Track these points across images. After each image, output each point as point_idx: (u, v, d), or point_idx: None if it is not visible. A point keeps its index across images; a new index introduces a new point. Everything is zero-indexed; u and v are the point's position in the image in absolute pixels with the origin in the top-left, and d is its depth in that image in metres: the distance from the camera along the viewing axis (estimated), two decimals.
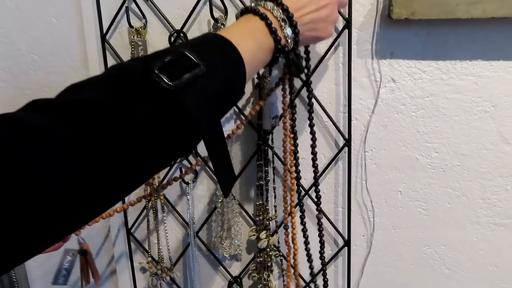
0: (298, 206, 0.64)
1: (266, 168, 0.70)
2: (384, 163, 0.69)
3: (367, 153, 0.69)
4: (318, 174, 0.64)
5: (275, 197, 0.72)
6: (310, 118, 0.60)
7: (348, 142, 0.67)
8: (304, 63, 0.55)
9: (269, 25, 0.45)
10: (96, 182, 0.30)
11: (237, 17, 0.49)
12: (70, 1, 0.72)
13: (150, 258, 0.79)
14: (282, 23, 0.47)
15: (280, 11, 0.47)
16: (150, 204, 0.77)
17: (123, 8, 0.70)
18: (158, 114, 0.33)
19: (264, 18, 0.45)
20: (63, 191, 0.29)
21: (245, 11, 0.47)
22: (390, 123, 0.67)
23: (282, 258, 0.74)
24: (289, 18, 0.47)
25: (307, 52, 0.60)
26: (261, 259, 0.73)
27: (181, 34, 0.68)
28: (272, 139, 0.69)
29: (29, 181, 0.27)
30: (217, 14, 0.66)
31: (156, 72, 0.33)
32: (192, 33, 0.69)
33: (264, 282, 0.74)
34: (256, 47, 0.44)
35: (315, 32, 0.51)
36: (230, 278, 0.78)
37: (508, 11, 0.55)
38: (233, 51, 0.41)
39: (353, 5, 0.62)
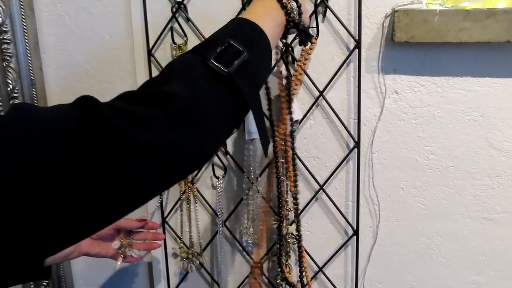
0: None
1: (287, 166, 0.81)
2: (388, 163, 0.80)
3: (374, 154, 0.80)
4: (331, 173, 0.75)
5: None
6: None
7: (357, 145, 0.79)
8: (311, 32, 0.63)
9: (280, 1, 0.53)
10: (183, 147, 0.39)
11: None
12: (121, 21, 0.84)
13: (182, 244, 0.90)
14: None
15: None
16: (184, 196, 0.88)
17: (168, 27, 0.82)
18: (218, 94, 0.42)
19: None
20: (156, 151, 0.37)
21: None
22: (393, 128, 0.79)
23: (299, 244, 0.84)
24: None
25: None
26: (280, 245, 0.83)
27: None
28: (292, 141, 0.81)
29: (121, 146, 0.35)
30: None
31: (213, 61, 0.42)
32: None
33: (283, 266, 0.84)
34: (274, 24, 0.52)
35: (304, 13, 0.59)
36: (252, 263, 0.88)
37: (491, 37, 0.67)
38: (263, 36, 0.48)
39: (362, 29, 0.75)
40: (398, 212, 0.82)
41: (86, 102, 0.36)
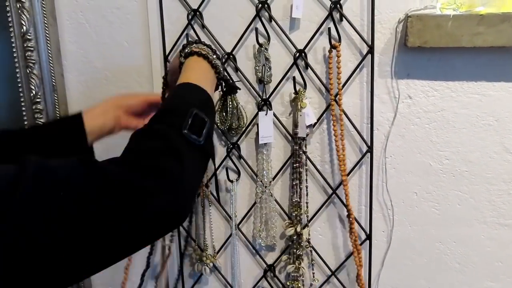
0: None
1: (301, 170, 0.82)
2: (401, 168, 0.80)
3: (387, 159, 0.80)
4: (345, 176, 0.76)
5: (307, 195, 0.83)
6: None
7: (370, 149, 0.79)
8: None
9: (210, 62, 0.62)
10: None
11: (185, 53, 0.63)
12: (139, 29, 0.87)
13: (196, 247, 0.92)
14: (213, 57, 0.63)
15: (209, 49, 0.64)
16: (198, 199, 0.90)
17: (184, 34, 0.85)
18: (197, 160, 0.52)
19: (207, 58, 0.62)
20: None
21: (189, 54, 0.63)
22: (407, 133, 0.79)
23: (311, 249, 0.85)
24: (214, 51, 0.64)
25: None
26: (293, 249, 0.84)
27: (231, 56, 0.82)
28: (306, 145, 0.82)
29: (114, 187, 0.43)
30: (261, 40, 0.80)
31: (189, 133, 0.50)
32: (240, 55, 0.83)
33: (295, 270, 0.85)
34: (211, 84, 0.63)
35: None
36: (265, 266, 0.89)
37: (505, 41, 0.67)
38: (210, 99, 0.58)
39: (375, 34, 0.75)
40: (412, 217, 0.82)
41: (88, 163, 0.43)
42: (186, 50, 0.64)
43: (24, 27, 0.87)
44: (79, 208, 0.39)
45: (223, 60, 0.65)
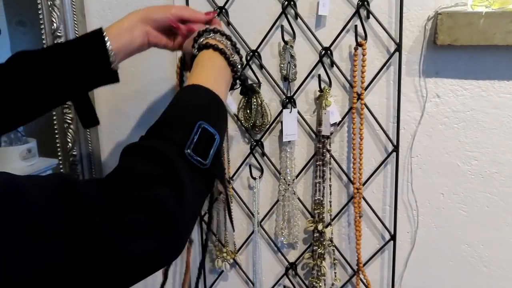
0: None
1: (324, 169, 0.81)
2: (428, 168, 0.79)
3: (413, 159, 0.79)
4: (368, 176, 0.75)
5: (330, 194, 0.83)
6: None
7: (396, 149, 0.78)
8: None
9: (227, 59, 0.54)
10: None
11: (199, 45, 0.56)
12: None
13: (217, 242, 0.92)
14: (232, 51, 0.56)
15: (228, 41, 0.57)
16: (221, 195, 0.90)
17: None
18: (200, 186, 0.43)
19: (223, 53, 0.54)
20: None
21: (204, 46, 0.55)
22: (434, 133, 0.77)
23: (334, 248, 0.84)
24: (234, 45, 0.57)
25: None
26: (316, 247, 0.84)
27: (256, 53, 0.82)
28: (330, 143, 0.81)
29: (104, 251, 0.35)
30: (287, 37, 0.80)
31: (192, 153, 0.41)
32: (265, 52, 0.82)
33: (317, 269, 0.84)
34: (226, 86, 0.55)
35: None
36: (287, 264, 0.89)
37: None
38: (223, 107, 0.50)
39: (403, 32, 0.74)
40: (438, 218, 0.80)
41: (69, 191, 0.35)
42: (201, 40, 0.56)
43: (55, 24, 0.89)
44: (42, 240, 0.32)
45: (244, 56, 0.58)
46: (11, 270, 0.30)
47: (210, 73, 0.53)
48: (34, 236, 0.32)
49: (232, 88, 0.58)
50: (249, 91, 0.68)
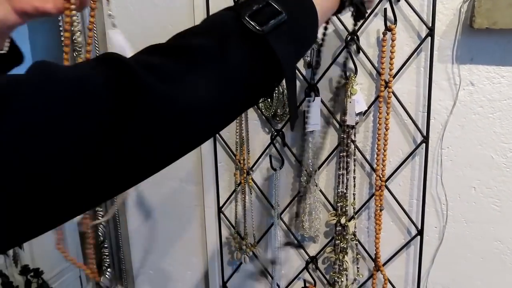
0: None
1: (348, 160, 0.78)
2: (459, 160, 0.75)
3: (444, 150, 0.75)
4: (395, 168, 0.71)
5: (354, 186, 0.79)
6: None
7: (425, 139, 0.74)
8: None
9: None
10: (200, 106, 0.36)
11: None
12: (184, 11, 0.85)
13: (236, 234, 0.90)
14: None
15: None
16: (239, 186, 0.88)
17: None
18: (248, 54, 0.38)
19: None
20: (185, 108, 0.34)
21: None
22: (467, 123, 0.73)
23: (357, 242, 0.81)
24: None
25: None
26: (338, 241, 0.81)
27: None
28: (354, 133, 0.77)
29: (150, 104, 0.32)
30: None
31: (247, 19, 0.38)
32: None
33: (339, 263, 0.81)
34: (327, 4, 0.47)
35: None
36: (308, 257, 0.87)
37: None
38: (308, 2, 0.44)
39: (436, 15, 0.69)
40: (468, 213, 0.76)
41: (110, 59, 0.33)
42: None
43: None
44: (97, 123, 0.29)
45: None
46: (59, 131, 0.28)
47: None
48: (77, 100, 0.29)
49: (338, 11, 0.51)
50: (361, 15, 0.57)
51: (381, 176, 0.76)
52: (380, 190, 0.76)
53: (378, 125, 0.75)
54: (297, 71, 0.79)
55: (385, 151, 0.75)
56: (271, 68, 0.39)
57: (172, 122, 0.34)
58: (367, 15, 0.63)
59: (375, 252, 0.79)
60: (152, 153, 0.33)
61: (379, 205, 0.76)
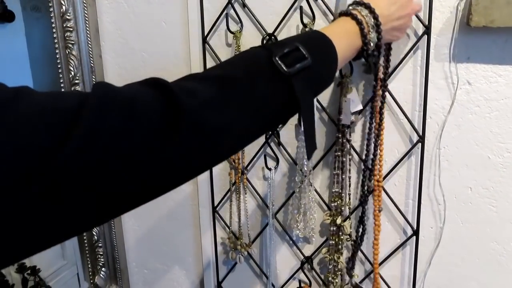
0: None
1: (344, 159, 0.77)
2: (456, 160, 0.74)
3: (440, 150, 0.74)
4: (390, 168, 0.70)
5: (349, 186, 0.79)
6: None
7: (421, 139, 0.73)
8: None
9: (362, 30, 0.55)
10: (224, 126, 0.41)
11: (335, 17, 0.58)
12: (177, 8, 0.84)
13: (231, 234, 0.89)
14: (371, 29, 0.56)
15: (372, 19, 0.56)
16: (234, 186, 0.87)
17: (223, 14, 0.81)
18: (274, 89, 0.44)
19: (359, 23, 0.55)
20: (213, 128, 0.39)
21: (344, 13, 0.56)
22: (464, 123, 0.72)
23: (352, 242, 0.81)
24: (377, 25, 0.57)
25: (389, 49, 0.68)
26: (333, 241, 0.80)
27: (273, 37, 0.78)
28: (350, 133, 0.76)
29: (190, 123, 0.37)
30: (305, 19, 0.75)
31: (277, 59, 0.44)
32: (283, 36, 0.78)
33: (334, 264, 0.81)
34: (348, 47, 0.54)
35: (391, 36, 0.62)
36: (303, 257, 0.86)
37: None
38: (332, 50, 0.50)
39: (433, 13, 0.68)
40: (465, 213, 0.75)
41: (157, 84, 0.38)
42: (348, 8, 0.57)
43: (64, 7, 0.86)
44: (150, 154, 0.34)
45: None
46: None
47: (335, 28, 0.54)
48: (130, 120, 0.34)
49: (356, 58, 0.57)
50: (371, 66, 0.67)
51: (378, 176, 0.75)
52: (378, 191, 0.75)
53: (375, 124, 0.74)
54: None
55: (381, 151, 0.74)
56: (291, 104, 0.45)
57: (204, 138, 0.38)
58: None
59: (373, 253, 0.78)
60: (189, 163, 0.38)
61: (378, 205, 0.76)
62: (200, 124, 0.37)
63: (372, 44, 0.56)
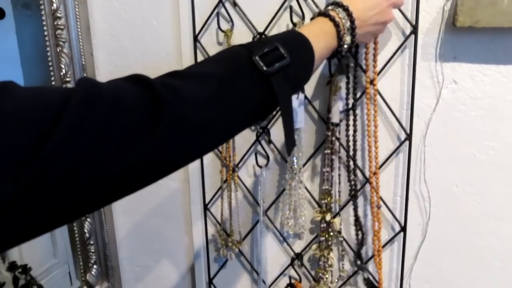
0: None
1: (333, 157, 0.78)
2: (442, 158, 0.75)
3: (427, 148, 0.75)
4: (379, 165, 0.71)
5: (339, 183, 0.80)
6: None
7: (409, 137, 0.74)
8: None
9: (338, 32, 0.56)
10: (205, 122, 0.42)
11: (314, 16, 0.59)
12: (169, 7, 0.84)
13: (222, 231, 0.90)
14: (346, 32, 0.57)
15: (349, 22, 0.57)
16: (225, 183, 0.88)
17: (214, 13, 0.81)
18: (253, 87, 0.46)
19: (336, 25, 0.56)
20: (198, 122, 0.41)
21: (322, 14, 0.57)
22: (450, 121, 0.73)
23: (342, 239, 0.82)
24: (352, 29, 0.58)
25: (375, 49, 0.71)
26: (323, 238, 0.81)
27: (263, 36, 0.78)
28: (339, 131, 0.78)
29: (172, 119, 0.38)
30: (295, 19, 0.75)
31: (257, 59, 0.46)
32: None
33: (324, 260, 0.82)
34: (324, 47, 0.55)
35: (363, 39, 0.63)
36: (293, 254, 0.87)
37: None
38: (310, 50, 0.52)
39: (420, 13, 0.69)
40: (451, 210, 0.77)
41: (140, 80, 0.39)
42: (327, 9, 0.58)
43: (55, 5, 0.86)
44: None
45: (354, 39, 0.57)
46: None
47: (313, 28, 0.55)
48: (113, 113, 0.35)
49: (331, 57, 0.59)
50: (345, 66, 0.70)
51: (369, 172, 0.76)
52: (370, 188, 0.76)
53: (367, 121, 0.75)
54: None
55: (369, 148, 0.75)
56: (269, 101, 0.47)
57: (185, 134, 0.39)
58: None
59: (372, 249, 0.79)
60: (170, 157, 0.39)
61: (376, 202, 0.77)
62: (181, 120, 0.39)
63: (346, 46, 0.58)
